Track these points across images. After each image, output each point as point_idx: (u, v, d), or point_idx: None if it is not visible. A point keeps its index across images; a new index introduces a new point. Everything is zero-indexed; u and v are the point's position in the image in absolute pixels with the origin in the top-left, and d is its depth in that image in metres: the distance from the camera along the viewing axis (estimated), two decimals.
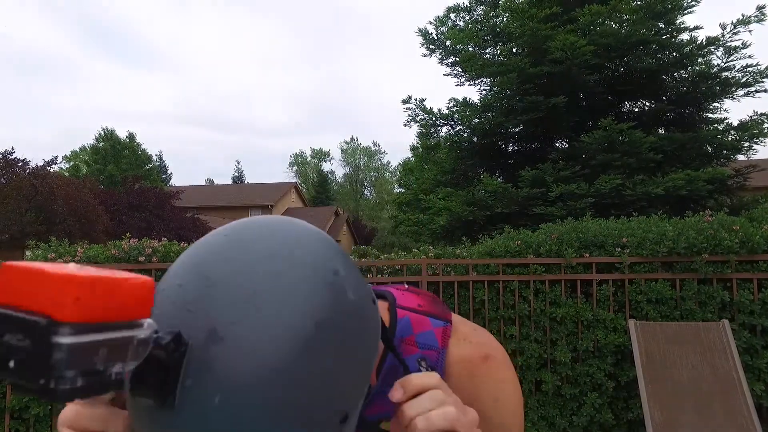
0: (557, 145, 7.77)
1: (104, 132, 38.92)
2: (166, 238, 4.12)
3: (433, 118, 8.36)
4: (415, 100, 8.38)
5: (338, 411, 0.43)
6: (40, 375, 0.29)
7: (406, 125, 8.65)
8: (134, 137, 40.18)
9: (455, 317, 0.68)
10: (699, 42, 7.10)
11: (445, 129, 8.51)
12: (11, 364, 0.30)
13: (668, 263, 3.80)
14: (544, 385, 3.71)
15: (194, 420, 0.38)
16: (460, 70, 8.24)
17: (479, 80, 8.23)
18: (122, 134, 38.73)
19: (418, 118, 8.52)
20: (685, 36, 7.39)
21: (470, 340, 0.65)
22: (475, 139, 8.17)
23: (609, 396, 3.66)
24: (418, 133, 8.74)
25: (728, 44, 6.99)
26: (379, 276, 4.08)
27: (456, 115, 8.14)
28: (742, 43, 6.89)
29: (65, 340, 0.29)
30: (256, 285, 0.41)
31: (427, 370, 0.60)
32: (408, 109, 8.46)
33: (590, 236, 3.96)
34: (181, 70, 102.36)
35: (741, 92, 7.21)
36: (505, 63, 6.83)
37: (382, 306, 0.65)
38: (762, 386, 3.45)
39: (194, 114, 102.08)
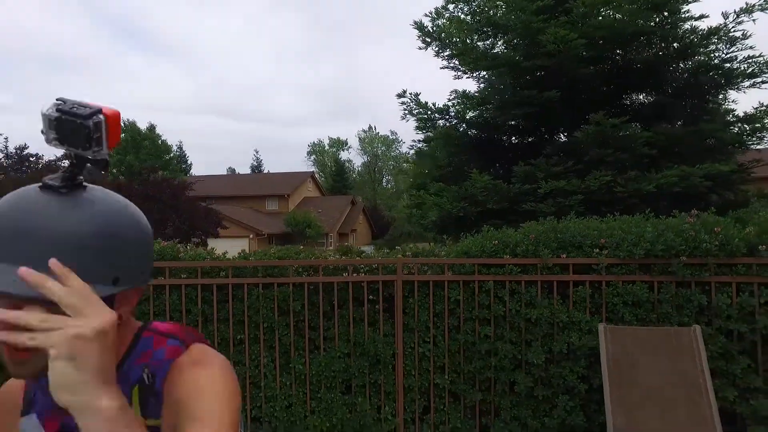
0: (555, 139, 7.64)
1: (124, 123, 39.47)
2: (162, 240, 4.23)
3: (428, 112, 8.31)
4: (410, 94, 8.32)
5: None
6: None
7: (403, 119, 8.63)
8: (154, 128, 40.77)
9: (204, 348, 0.83)
10: (701, 32, 6.88)
11: (441, 123, 8.45)
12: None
13: (646, 265, 3.73)
14: (517, 386, 3.71)
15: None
16: (456, 63, 8.14)
17: (477, 73, 8.13)
18: (143, 125, 39.36)
19: (414, 112, 8.47)
20: (687, 26, 7.18)
21: (193, 356, 0.80)
22: (470, 132, 8.09)
23: (581, 399, 3.64)
24: (415, 127, 8.64)
25: (731, 34, 6.76)
26: (355, 275, 4.10)
27: (451, 109, 8.06)
28: (742, 34, 6.67)
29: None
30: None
31: (148, 375, 0.78)
32: (403, 103, 8.42)
33: (568, 236, 3.90)
34: (202, 62, 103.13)
35: (747, 83, 6.99)
36: (498, 56, 6.72)
37: (134, 326, 0.84)
38: (735, 392, 3.38)
39: (215, 104, 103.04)
